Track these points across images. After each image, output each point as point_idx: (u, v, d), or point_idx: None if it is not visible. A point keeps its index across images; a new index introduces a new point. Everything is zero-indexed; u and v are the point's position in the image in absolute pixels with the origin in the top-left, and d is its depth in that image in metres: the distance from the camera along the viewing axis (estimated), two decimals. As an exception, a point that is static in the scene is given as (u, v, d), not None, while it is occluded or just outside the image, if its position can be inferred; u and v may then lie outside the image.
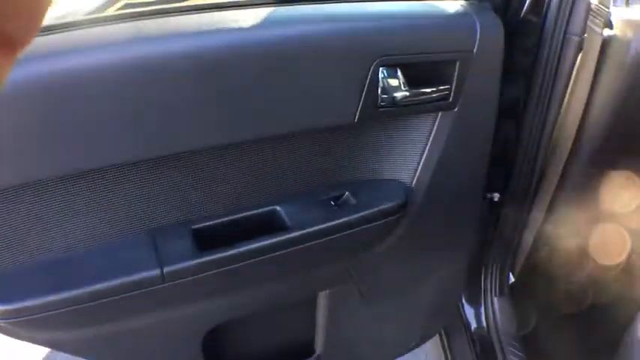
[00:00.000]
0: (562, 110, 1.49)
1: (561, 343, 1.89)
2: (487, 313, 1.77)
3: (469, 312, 1.81)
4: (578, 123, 1.47)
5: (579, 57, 1.40)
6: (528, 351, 1.75)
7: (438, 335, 1.87)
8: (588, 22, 1.37)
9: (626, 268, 2.19)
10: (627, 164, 1.58)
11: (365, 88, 1.12)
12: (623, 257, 2.05)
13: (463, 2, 1.27)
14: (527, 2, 1.35)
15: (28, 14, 0.28)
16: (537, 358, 1.76)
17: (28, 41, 0.28)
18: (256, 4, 1.12)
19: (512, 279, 1.80)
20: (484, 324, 1.77)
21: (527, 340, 1.78)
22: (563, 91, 1.42)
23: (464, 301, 1.82)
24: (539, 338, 1.83)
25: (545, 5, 1.34)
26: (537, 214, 1.63)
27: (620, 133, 1.47)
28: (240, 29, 1.03)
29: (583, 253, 1.88)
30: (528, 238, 1.69)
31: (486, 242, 1.68)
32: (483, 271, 1.75)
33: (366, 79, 1.11)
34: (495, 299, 1.76)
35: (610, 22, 1.38)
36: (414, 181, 1.31)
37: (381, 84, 1.14)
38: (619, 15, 1.38)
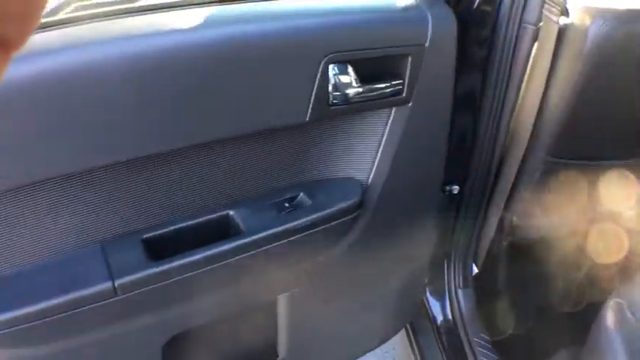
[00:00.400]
0: (519, 100, 1.48)
1: (528, 332, 1.89)
2: (452, 305, 1.76)
3: (434, 305, 1.80)
4: (535, 113, 1.46)
5: (536, 46, 1.39)
6: (495, 341, 1.75)
7: (404, 330, 1.86)
8: (544, 11, 1.36)
9: (589, 255, 2.20)
10: (585, 153, 1.58)
11: (315, 87, 1.09)
12: (583, 244, 2.06)
13: None
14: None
15: (21, 16, 0.28)
16: (504, 348, 1.76)
17: (22, 42, 0.29)
18: (201, 4, 1.09)
19: (476, 270, 1.79)
20: (450, 316, 1.77)
21: (493, 330, 1.78)
22: (519, 81, 1.41)
23: (428, 294, 1.81)
24: (505, 328, 1.82)
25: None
26: (498, 205, 1.63)
27: (578, 122, 1.47)
28: (182, 31, 0.99)
29: (544, 242, 1.88)
30: (490, 228, 1.68)
31: (448, 235, 1.67)
32: (446, 263, 1.74)
33: (316, 77, 1.08)
34: (460, 291, 1.75)
35: (566, 9, 1.37)
36: (370, 179, 1.28)
37: (331, 81, 1.11)
38: (575, 2, 1.37)
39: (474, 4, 1.35)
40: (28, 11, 0.28)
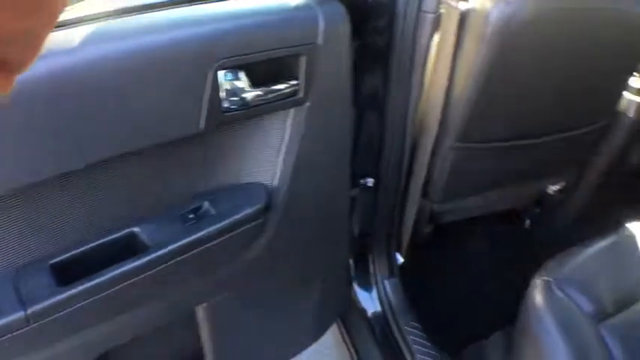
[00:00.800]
0: (426, 88, 1.48)
1: (457, 317, 1.92)
2: (380, 296, 1.77)
3: (363, 298, 1.80)
4: (443, 100, 1.47)
5: (439, 33, 1.39)
6: (428, 328, 1.76)
7: (337, 326, 1.86)
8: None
9: (512, 237, 2.24)
10: (496, 135, 1.60)
11: (206, 95, 1.07)
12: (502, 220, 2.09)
13: None
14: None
15: (25, 40, 0.28)
16: (438, 335, 1.77)
17: (26, 65, 0.30)
18: (85, 21, 1.05)
19: (401, 259, 1.80)
20: (379, 308, 1.77)
21: (425, 317, 1.79)
22: (422, 70, 1.41)
23: (357, 287, 1.81)
24: (435, 314, 1.84)
25: None
26: (414, 193, 1.63)
27: (487, 105, 1.48)
28: (64, 51, 0.96)
29: (467, 224, 1.90)
30: (409, 217, 1.69)
31: (368, 228, 1.67)
32: (370, 256, 1.74)
33: (206, 85, 1.06)
34: (386, 282, 1.76)
35: None
36: (276, 182, 1.27)
37: (223, 88, 1.09)
38: None
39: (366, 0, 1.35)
40: (32, 35, 0.28)
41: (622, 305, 1.40)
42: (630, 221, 1.68)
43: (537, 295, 1.35)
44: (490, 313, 1.84)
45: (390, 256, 1.73)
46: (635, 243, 1.58)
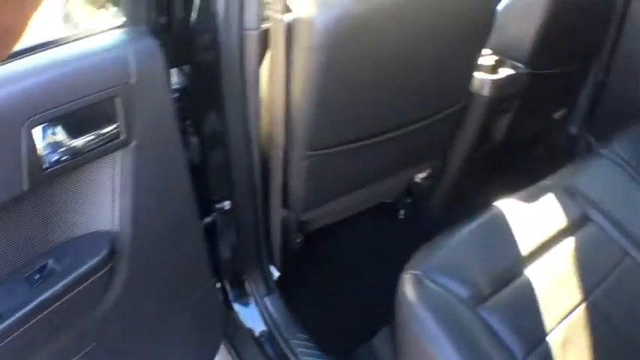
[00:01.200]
0: (265, 104, 1.47)
1: (343, 319, 1.92)
2: (263, 314, 1.76)
3: (247, 318, 1.80)
4: (283, 112, 1.46)
5: (271, 48, 1.38)
6: (314, 336, 1.76)
7: (226, 351, 1.83)
8: (268, 12, 1.35)
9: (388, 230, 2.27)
10: (344, 138, 1.61)
11: (24, 155, 1.03)
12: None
13: (118, 31, 1.20)
14: (194, 12, 1.31)
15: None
16: (327, 342, 1.77)
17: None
18: None
19: (277, 273, 1.79)
20: (264, 326, 1.76)
21: (313, 326, 1.79)
22: (255, 86, 1.40)
23: (239, 309, 1.79)
24: (321, 320, 1.84)
25: (212, 9, 1.30)
26: (275, 207, 1.63)
27: (328, 111, 1.48)
28: None
29: (337, 227, 1.90)
30: (275, 231, 1.68)
31: (235, 250, 1.65)
32: (245, 276, 1.72)
33: (22, 144, 1.02)
34: (266, 299, 1.76)
35: (287, 6, 1.36)
36: (116, 227, 1.24)
37: (40, 145, 1.04)
38: None
39: (188, 24, 1.32)
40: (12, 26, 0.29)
41: (498, 285, 1.41)
42: (499, 198, 1.72)
43: (408, 290, 1.34)
44: (374, 311, 1.85)
45: (264, 272, 1.73)
46: (504, 221, 1.60)
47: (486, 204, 1.68)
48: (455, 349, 1.25)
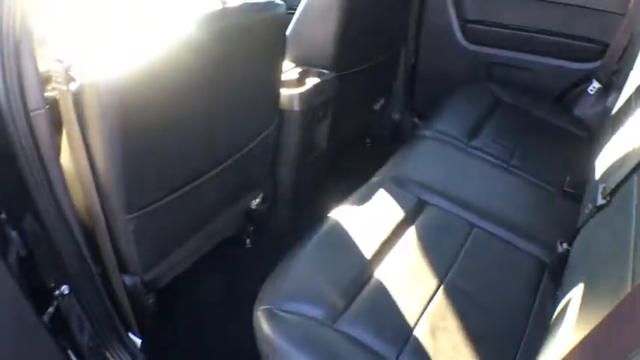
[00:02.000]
0: (75, 176, 1.45)
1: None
2: None
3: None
4: (92, 180, 1.44)
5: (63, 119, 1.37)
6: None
7: None
8: (54, 85, 1.32)
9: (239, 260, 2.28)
10: (161, 192, 1.60)
11: None
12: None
13: None
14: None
15: None
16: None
17: None
18: None
19: (139, 340, 1.75)
20: None
21: None
22: (57, 162, 1.37)
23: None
24: None
25: None
26: (114, 276, 1.60)
27: (135, 170, 1.48)
28: None
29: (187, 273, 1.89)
30: (123, 300, 1.65)
31: (85, 334, 1.60)
32: (107, 353, 1.67)
33: None
34: None
35: (70, 76, 1.34)
36: None
37: None
38: (77, 64, 1.35)
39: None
40: None
41: (351, 296, 1.45)
42: (338, 200, 1.77)
43: (264, 327, 1.36)
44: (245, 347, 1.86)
45: (123, 343, 1.68)
46: (342, 230, 1.66)
47: (327, 208, 1.73)
48: None
